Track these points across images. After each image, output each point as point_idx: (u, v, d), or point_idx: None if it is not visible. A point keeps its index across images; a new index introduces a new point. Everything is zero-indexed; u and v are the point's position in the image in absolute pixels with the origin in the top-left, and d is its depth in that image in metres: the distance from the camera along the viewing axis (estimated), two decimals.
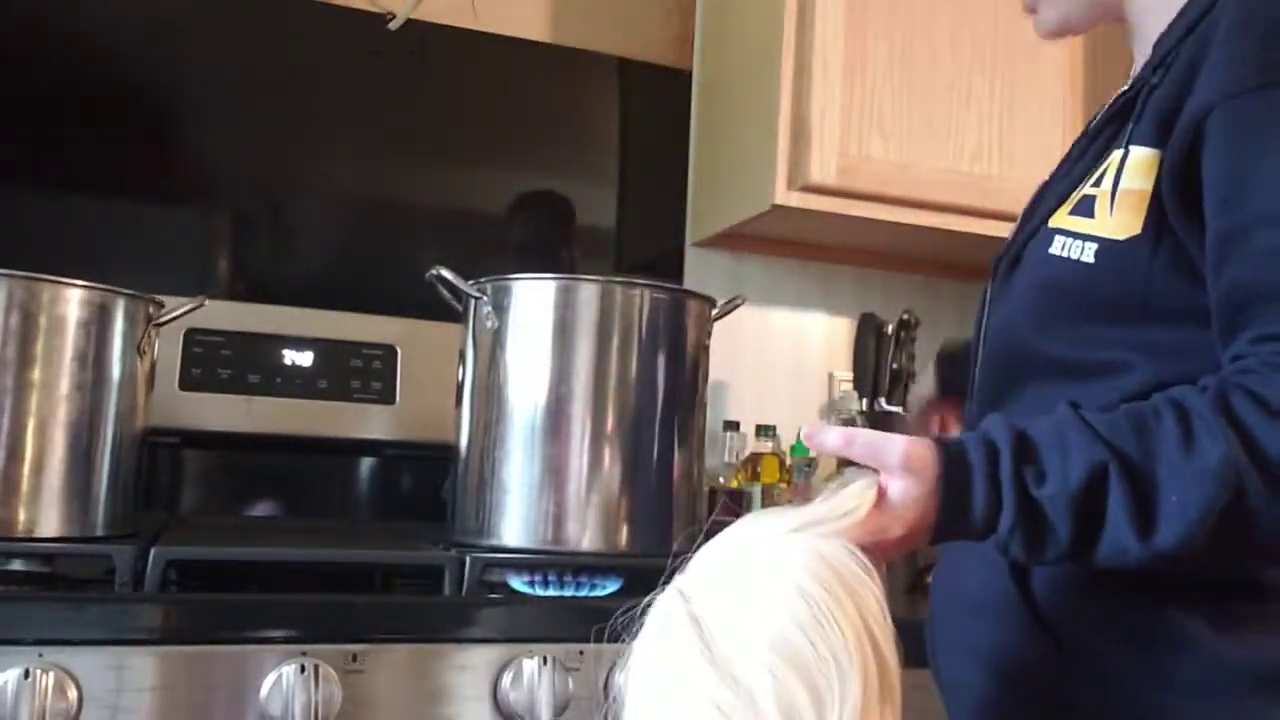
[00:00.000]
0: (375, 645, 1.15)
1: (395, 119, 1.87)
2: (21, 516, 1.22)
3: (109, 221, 1.72)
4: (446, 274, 1.42)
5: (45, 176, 1.71)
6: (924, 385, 1.26)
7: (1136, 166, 0.83)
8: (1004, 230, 1.07)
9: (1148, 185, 0.82)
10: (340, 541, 1.44)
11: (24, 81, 1.70)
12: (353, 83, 1.85)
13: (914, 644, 1.01)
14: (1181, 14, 0.88)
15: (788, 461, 1.86)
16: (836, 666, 0.65)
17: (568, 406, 1.36)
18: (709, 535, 0.74)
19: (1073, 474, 0.72)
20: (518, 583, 1.31)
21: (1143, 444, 0.72)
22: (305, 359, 1.70)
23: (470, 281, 1.41)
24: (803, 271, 2.07)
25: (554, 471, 1.35)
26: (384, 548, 1.43)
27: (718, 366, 1.57)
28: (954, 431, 1.26)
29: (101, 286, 1.28)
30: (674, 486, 1.40)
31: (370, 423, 1.72)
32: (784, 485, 1.83)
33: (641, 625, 0.71)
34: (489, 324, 1.39)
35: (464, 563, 1.27)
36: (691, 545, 0.74)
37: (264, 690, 1.10)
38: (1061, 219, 0.88)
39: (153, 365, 1.38)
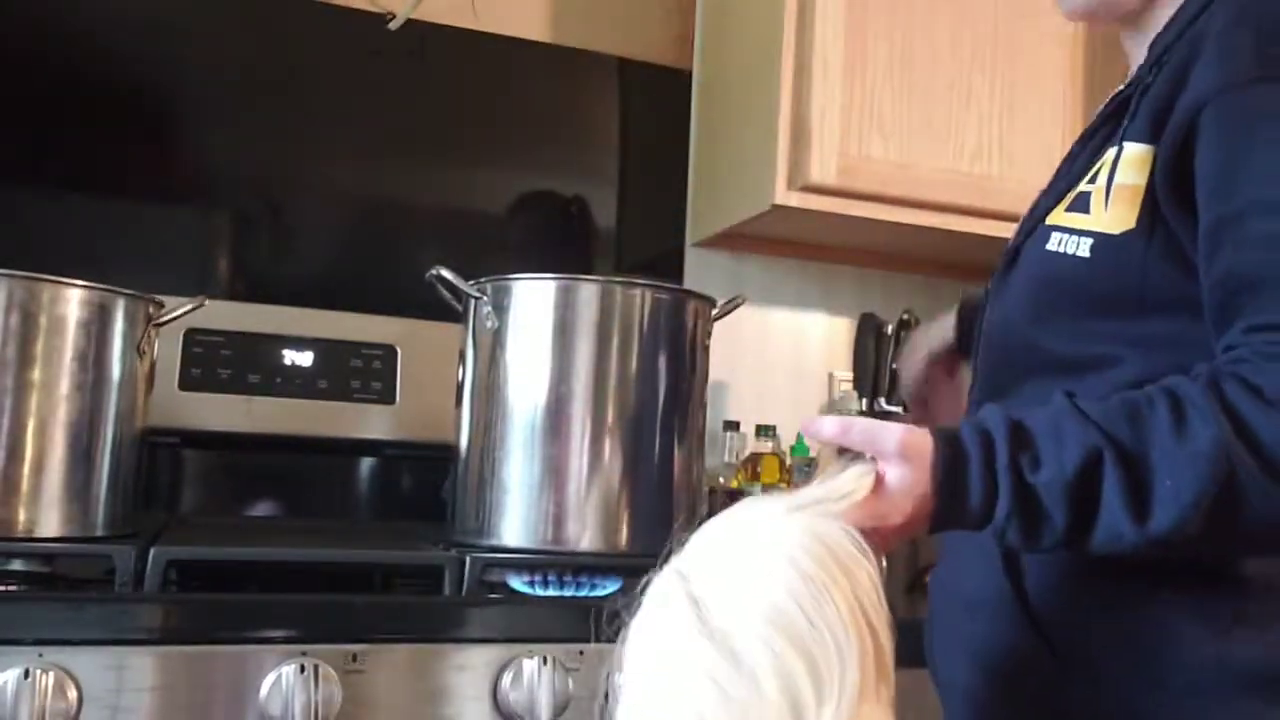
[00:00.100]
0: (375, 645, 1.15)
1: (395, 119, 1.87)
2: (21, 516, 1.22)
3: (109, 221, 1.72)
4: (446, 274, 1.42)
5: (45, 176, 1.71)
6: (944, 329, 1.24)
7: (1130, 162, 0.84)
8: (1004, 230, 1.07)
9: (1141, 180, 0.83)
10: (340, 541, 1.44)
11: (24, 81, 1.70)
12: (353, 83, 1.85)
13: (914, 644, 1.02)
14: (1177, 15, 0.89)
15: (788, 461, 1.86)
16: (834, 642, 0.65)
17: (568, 406, 1.36)
18: None
19: (1068, 461, 0.73)
20: (518, 583, 1.31)
21: (1136, 430, 0.73)
22: (305, 359, 1.70)
23: (470, 281, 1.41)
24: (803, 271, 2.07)
25: (554, 471, 1.35)
26: (384, 548, 1.43)
27: (718, 366, 1.57)
28: (965, 379, 1.26)
29: (101, 286, 1.28)
30: (674, 486, 1.40)
31: (370, 423, 1.72)
32: (784, 485, 1.83)
33: (640, 604, 0.71)
34: (489, 324, 1.39)
35: (464, 563, 1.27)
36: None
37: (264, 690, 1.10)
38: (1058, 216, 0.89)
39: (153, 365, 1.38)
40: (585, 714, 1.18)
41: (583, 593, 1.30)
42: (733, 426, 1.91)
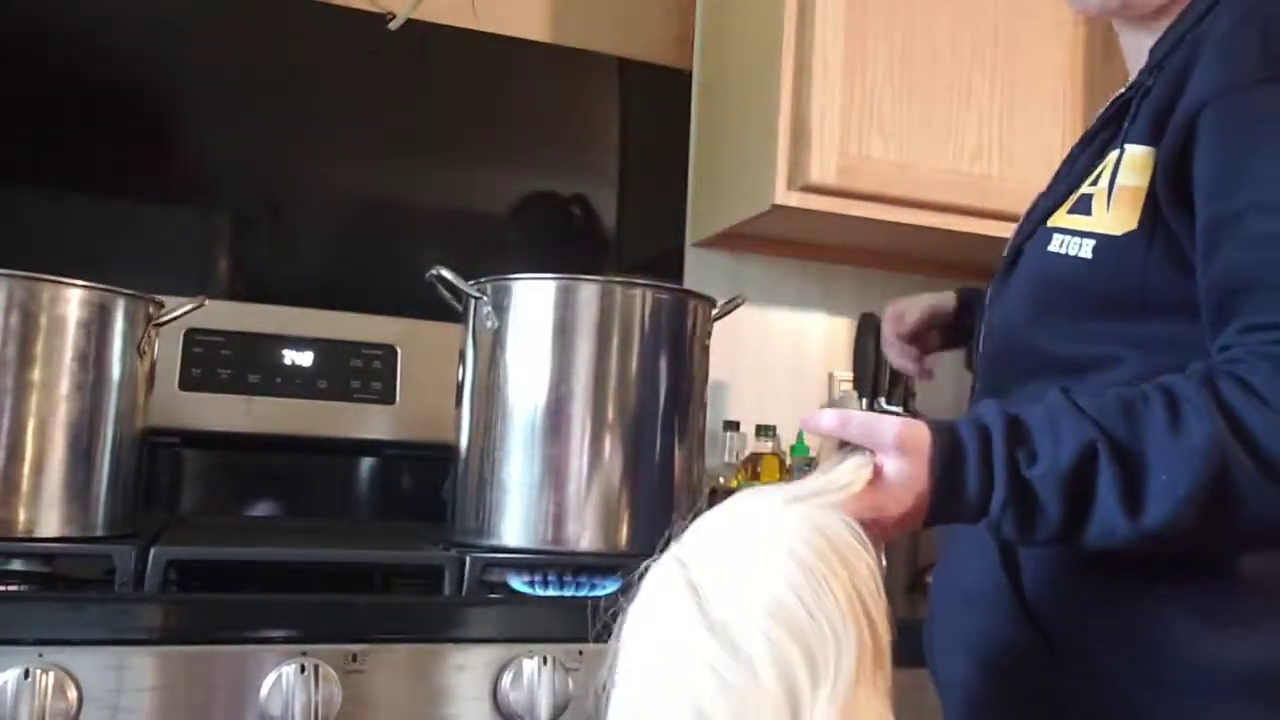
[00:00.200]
0: (375, 645, 1.15)
1: (395, 119, 1.87)
2: (21, 516, 1.22)
3: (109, 221, 1.72)
4: (446, 274, 1.42)
5: (45, 176, 1.71)
6: (947, 298, 1.25)
7: (1132, 164, 0.85)
8: (1004, 230, 1.07)
9: (1143, 182, 0.84)
10: (340, 541, 1.44)
11: (24, 81, 1.70)
12: (353, 83, 1.85)
13: (914, 643, 1.02)
14: (1180, 19, 0.89)
15: (788, 461, 1.86)
16: (831, 632, 0.66)
17: (568, 406, 1.36)
18: None
19: (1063, 455, 0.73)
20: (518, 583, 1.31)
21: (1131, 426, 0.73)
22: (305, 359, 1.70)
23: (470, 281, 1.41)
24: (803, 271, 2.07)
25: (554, 471, 1.35)
26: (384, 548, 1.43)
27: (718, 366, 1.57)
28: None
29: (101, 286, 1.28)
30: (674, 486, 1.40)
31: (370, 423, 1.72)
32: None
33: (639, 591, 0.71)
34: (489, 324, 1.39)
35: (464, 563, 1.27)
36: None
37: (264, 690, 1.10)
38: (1060, 218, 0.90)
39: (153, 365, 1.38)
40: (585, 714, 1.18)
41: (583, 593, 1.30)
42: (733, 426, 1.91)
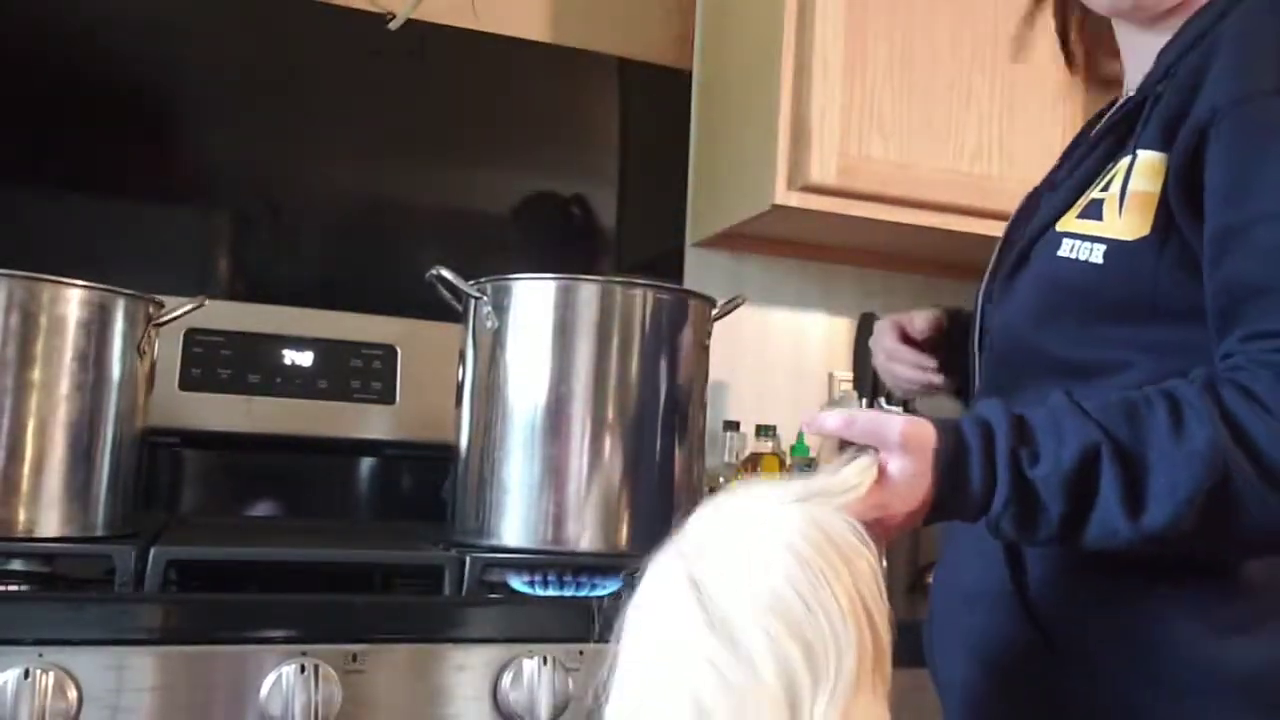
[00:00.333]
0: (375, 645, 1.15)
1: (395, 119, 1.87)
2: (21, 516, 1.22)
3: (109, 221, 1.72)
4: (446, 274, 1.42)
5: (45, 176, 1.71)
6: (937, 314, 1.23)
7: (1144, 170, 0.85)
8: (1004, 231, 1.07)
9: (1155, 188, 0.84)
10: (340, 541, 1.44)
11: (24, 81, 1.70)
12: (353, 83, 1.85)
13: (914, 644, 1.02)
14: (1187, 25, 0.89)
15: (788, 461, 1.86)
16: (831, 630, 0.66)
17: (568, 406, 1.36)
18: None
19: (1065, 455, 0.73)
20: (518, 583, 1.31)
21: (1134, 429, 0.74)
22: (305, 359, 1.70)
23: (470, 281, 1.41)
24: (803, 271, 2.07)
25: (554, 471, 1.35)
26: (384, 548, 1.43)
27: (718, 366, 1.57)
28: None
29: (101, 286, 1.28)
30: (674, 486, 1.40)
31: (370, 423, 1.72)
32: None
33: (640, 583, 0.71)
34: (489, 324, 1.39)
35: (464, 563, 1.27)
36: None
37: (264, 690, 1.10)
38: (1069, 223, 0.89)
39: (153, 365, 1.38)
40: (585, 714, 1.18)
41: (583, 593, 1.30)
42: (733, 426, 1.91)
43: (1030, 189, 1.09)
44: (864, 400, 1.83)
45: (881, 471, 0.76)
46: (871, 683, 0.67)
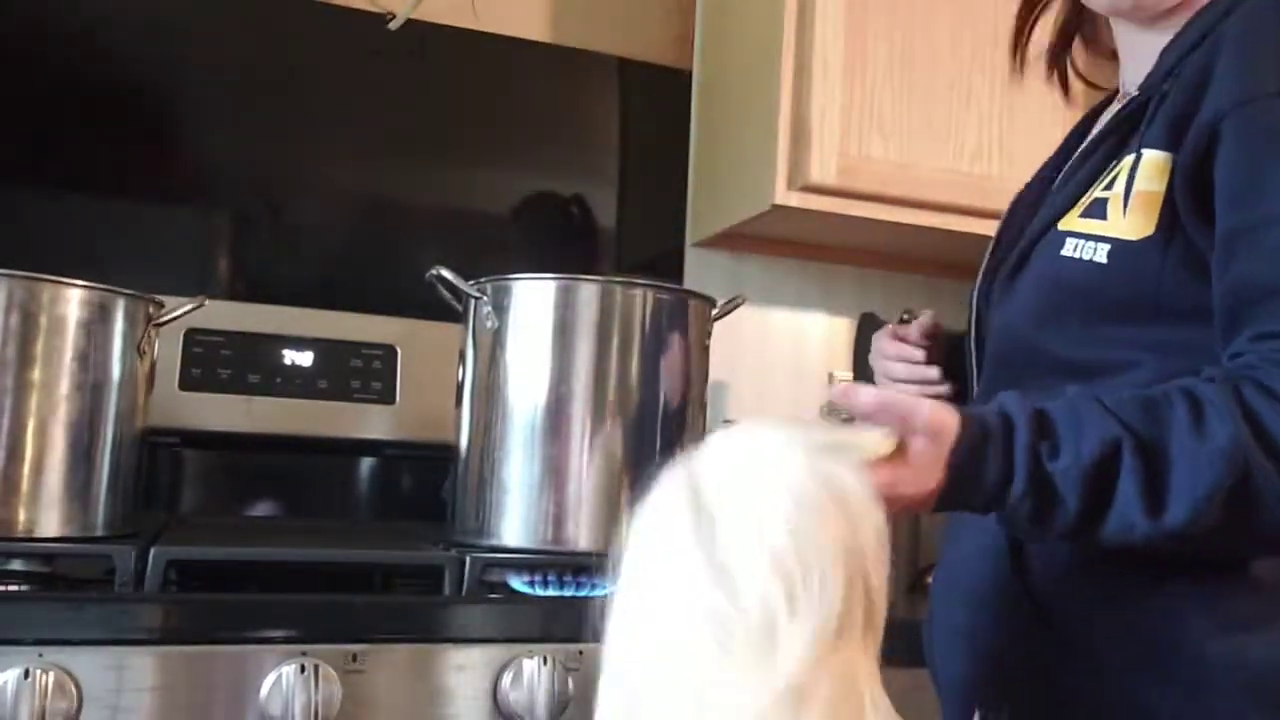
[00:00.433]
0: (375, 645, 1.15)
1: (395, 119, 1.87)
2: (21, 516, 1.22)
3: (109, 221, 1.72)
4: (446, 274, 1.42)
5: (45, 176, 1.71)
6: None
7: (1149, 169, 0.84)
8: (995, 232, 1.08)
9: (1160, 187, 0.83)
10: (340, 541, 1.44)
11: (24, 81, 1.70)
12: (353, 83, 1.85)
13: (914, 644, 1.02)
14: (1190, 24, 0.89)
15: None
16: (820, 573, 0.65)
17: (568, 406, 1.36)
18: None
19: (1085, 449, 0.73)
20: (518, 583, 1.31)
21: (1155, 425, 0.73)
22: (305, 359, 1.70)
23: (470, 281, 1.41)
24: (803, 271, 2.07)
25: (554, 471, 1.35)
26: (384, 548, 1.43)
27: (718, 366, 1.57)
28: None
29: (101, 286, 1.28)
30: None
31: (370, 423, 1.72)
32: None
33: (648, 501, 0.72)
34: (489, 324, 1.39)
35: (464, 563, 1.27)
36: None
37: (264, 690, 1.10)
38: (1072, 222, 0.89)
39: (153, 365, 1.38)
40: (585, 714, 1.18)
41: (583, 593, 1.30)
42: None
43: (1022, 189, 1.09)
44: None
45: (901, 450, 0.75)
46: (860, 638, 0.67)
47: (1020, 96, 1.81)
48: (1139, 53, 0.95)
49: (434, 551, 1.35)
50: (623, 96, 2.00)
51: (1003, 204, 1.12)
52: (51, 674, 1.03)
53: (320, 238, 1.85)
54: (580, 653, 1.19)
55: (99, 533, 1.27)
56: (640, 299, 1.40)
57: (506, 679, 1.17)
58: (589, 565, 1.32)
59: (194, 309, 1.41)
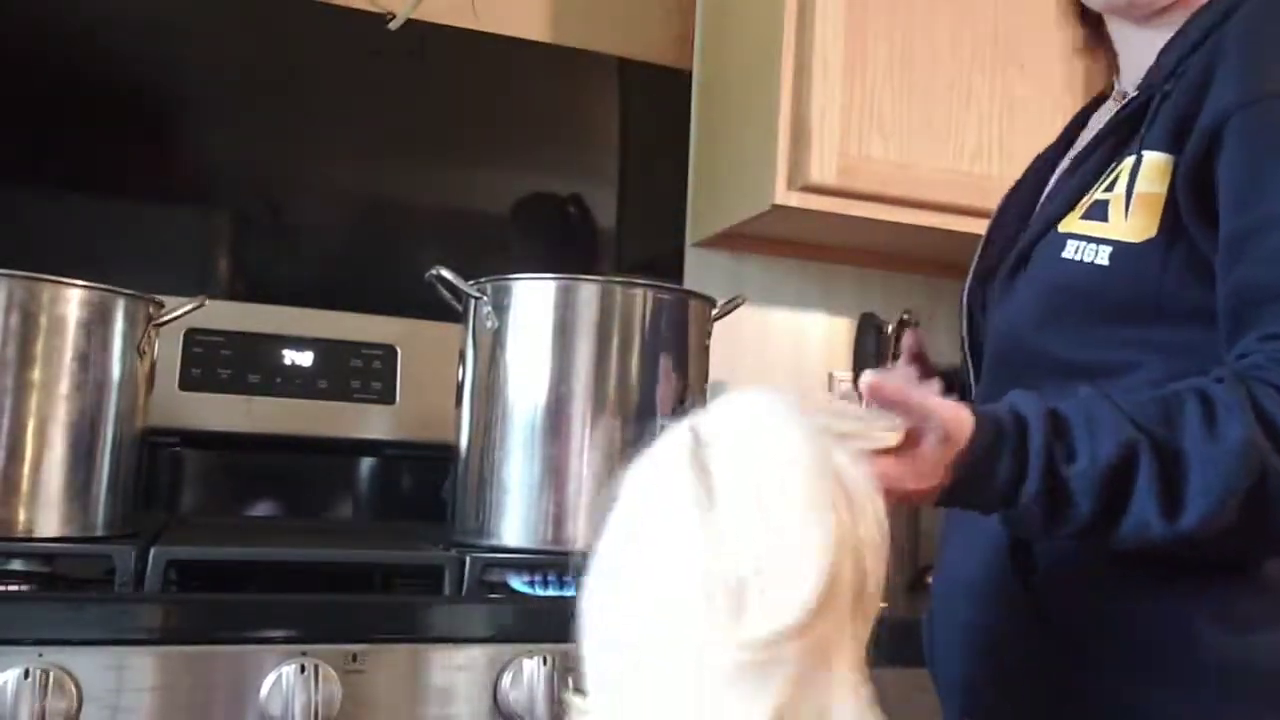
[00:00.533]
0: (375, 645, 1.15)
1: (395, 119, 1.87)
2: (21, 516, 1.22)
3: (109, 221, 1.72)
4: (446, 274, 1.42)
5: (45, 176, 1.71)
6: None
7: (1150, 171, 0.84)
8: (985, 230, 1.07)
9: (1162, 189, 0.83)
10: (340, 541, 1.44)
11: (24, 81, 1.70)
12: (353, 83, 1.85)
13: (914, 644, 1.02)
14: (1191, 23, 0.88)
15: None
16: (802, 543, 0.65)
17: (568, 406, 1.36)
18: None
19: (1101, 452, 0.73)
20: (518, 583, 1.31)
21: (1168, 427, 0.73)
22: (305, 359, 1.70)
23: (470, 281, 1.41)
24: (803, 271, 2.07)
25: (554, 471, 1.35)
26: (384, 548, 1.43)
27: (718, 366, 1.57)
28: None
29: (101, 286, 1.28)
30: None
31: (370, 423, 1.72)
32: None
33: (651, 449, 0.73)
34: (489, 324, 1.39)
35: (464, 563, 1.27)
36: None
37: (264, 690, 1.10)
38: (1073, 224, 0.89)
39: (153, 365, 1.38)
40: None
41: None
42: None
43: (1013, 191, 1.09)
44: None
45: (911, 442, 0.74)
46: (846, 618, 0.66)
47: (1020, 96, 1.81)
48: (1135, 51, 0.95)
49: (434, 551, 1.35)
50: (623, 96, 2.00)
51: None
52: (51, 674, 1.03)
53: (320, 238, 1.85)
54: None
55: (99, 533, 1.27)
56: (640, 299, 1.40)
57: (506, 679, 1.17)
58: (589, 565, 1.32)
59: (194, 309, 1.41)
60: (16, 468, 1.22)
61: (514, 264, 1.45)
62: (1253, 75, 0.80)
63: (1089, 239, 0.86)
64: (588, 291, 1.39)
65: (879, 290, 2.09)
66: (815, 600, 0.64)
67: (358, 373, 1.72)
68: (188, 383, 1.63)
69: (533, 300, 1.39)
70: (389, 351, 1.74)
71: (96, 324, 1.27)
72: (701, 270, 1.99)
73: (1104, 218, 0.86)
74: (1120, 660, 0.83)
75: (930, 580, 1.06)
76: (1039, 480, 0.73)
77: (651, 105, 2.03)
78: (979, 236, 1.75)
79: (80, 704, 1.04)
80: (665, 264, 1.99)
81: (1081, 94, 1.84)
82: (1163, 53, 0.89)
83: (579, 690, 0.71)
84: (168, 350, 1.55)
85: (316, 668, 1.10)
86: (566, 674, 1.18)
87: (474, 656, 1.18)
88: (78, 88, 1.72)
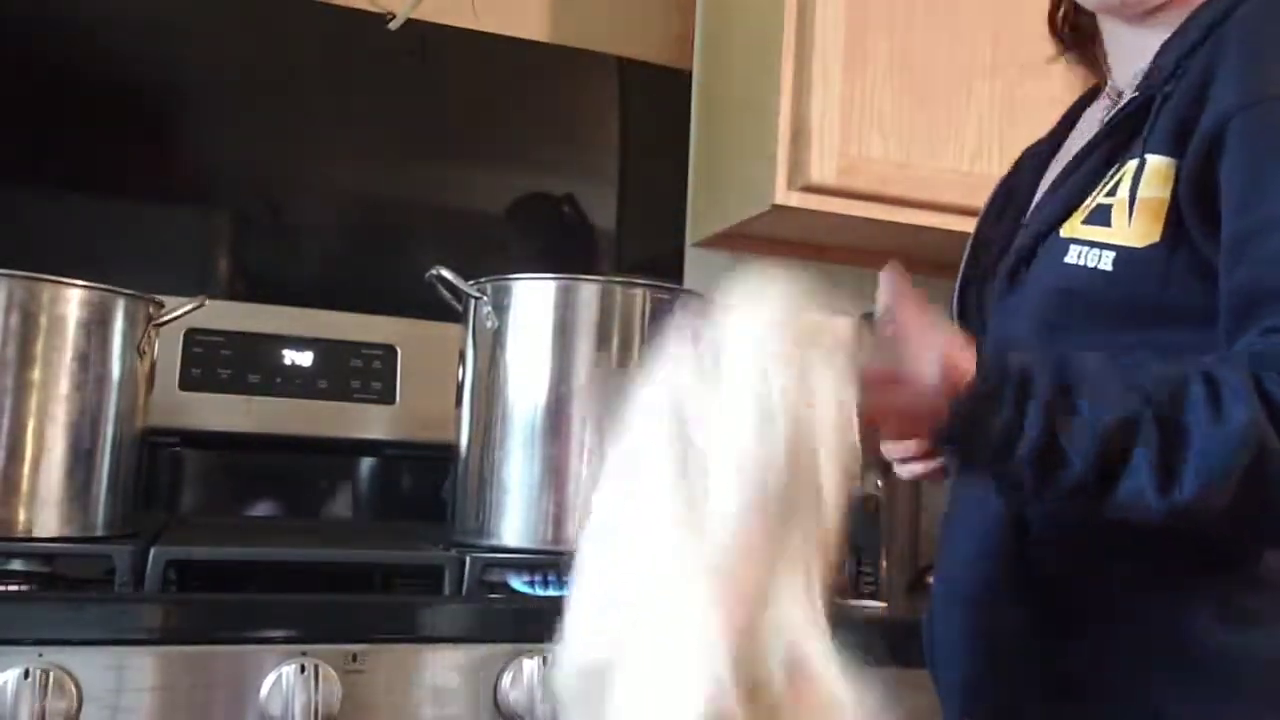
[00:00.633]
0: (375, 645, 1.15)
1: (395, 119, 1.87)
2: (21, 516, 1.22)
3: (109, 221, 1.72)
4: (446, 274, 1.42)
5: (45, 176, 1.71)
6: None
7: (1153, 175, 0.84)
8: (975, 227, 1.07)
9: (1165, 194, 0.83)
10: (340, 541, 1.44)
11: (24, 81, 1.70)
12: (353, 83, 1.85)
13: (914, 644, 1.02)
14: (1190, 22, 0.88)
15: None
16: (757, 470, 0.66)
17: (568, 406, 1.36)
18: None
19: (1103, 415, 0.73)
20: (518, 583, 1.31)
21: (1173, 400, 0.73)
22: (305, 359, 1.70)
23: (470, 281, 1.41)
24: (802, 271, 2.06)
25: (554, 471, 1.35)
26: (384, 548, 1.43)
27: None
28: None
29: (101, 286, 1.28)
30: None
31: (370, 423, 1.72)
32: None
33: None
34: (489, 324, 1.39)
35: (464, 563, 1.27)
36: None
37: (264, 690, 1.10)
38: (1075, 228, 0.88)
39: (153, 365, 1.38)
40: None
41: None
42: None
43: (1006, 187, 1.09)
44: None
45: (910, 374, 0.75)
46: (798, 560, 0.67)
47: (1020, 97, 1.81)
48: (1127, 50, 0.95)
49: (434, 551, 1.35)
50: (623, 96, 2.00)
51: None
52: (51, 674, 1.03)
53: (320, 238, 1.85)
54: None
55: (99, 533, 1.27)
56: (640, 299, 1.40)
57: (506, 679, 1.17)
58: None
59: (194, 309, 1.41)
60: (16, 468, 1.22)
61: (514, 264, 1.45)
62: (1253, 77, 0.80)
63: (1091, 244, 0.86)
64: (588, 291, 1.39)
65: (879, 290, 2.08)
66: (762, 519, 0.65)
67: (358, 373, 1.72)
68: (188, 383, 1.64)
69: (533, 300, 1.39)
70: (389, 351, 1.74)
71: (96, 324, 1.27)
72: (701, 270, 1.99)
73: (1106, 222, 0.86)
74: (1123, 659, 0.83)
75: (930, 581, 1.06)
76: (1036, 434, 0.73)
77: (651, 105, 2.03)
78: None
79: (80, 704, 1.04)
80: (665, 264, 1.99)
81: (1081, 94, 1.84)
82: (1161, 53, 0.89)
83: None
84: (168, 350, 1.55)
85: (316, 668, 1.10)
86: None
87: (474, 656, 1.18)
88: (78, 88, 1.72)
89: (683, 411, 0.70)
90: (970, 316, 1.04)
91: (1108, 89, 1.00)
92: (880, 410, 0.74)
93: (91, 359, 1.27)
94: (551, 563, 1.32)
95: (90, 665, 1.06)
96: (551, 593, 1.30)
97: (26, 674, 1.02)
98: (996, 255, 0.99)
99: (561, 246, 1.98)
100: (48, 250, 1.66)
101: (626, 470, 0.72)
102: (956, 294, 1.03)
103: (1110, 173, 0.88)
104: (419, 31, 1.87)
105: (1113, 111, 0.94)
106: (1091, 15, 1.00)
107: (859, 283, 2.31)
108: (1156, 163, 0.84)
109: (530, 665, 1.17)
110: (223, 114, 1.78)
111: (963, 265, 1.04)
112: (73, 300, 1.26)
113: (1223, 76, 0.81)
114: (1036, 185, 1.02)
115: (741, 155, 1.84)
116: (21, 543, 1.21)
